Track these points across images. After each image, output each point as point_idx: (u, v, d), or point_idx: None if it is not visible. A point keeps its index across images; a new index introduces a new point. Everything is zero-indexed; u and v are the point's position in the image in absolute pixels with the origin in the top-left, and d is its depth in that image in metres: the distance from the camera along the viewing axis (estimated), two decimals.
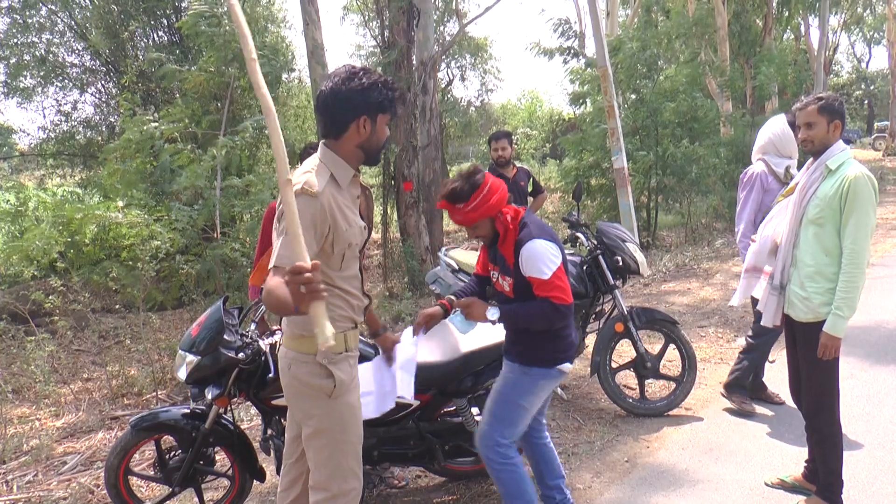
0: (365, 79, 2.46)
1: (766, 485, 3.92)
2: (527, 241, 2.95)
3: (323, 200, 2.38)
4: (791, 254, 3.51)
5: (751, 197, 4.69)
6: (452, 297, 3.28)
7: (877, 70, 49.44)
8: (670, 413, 4.96)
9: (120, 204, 7.12)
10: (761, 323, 3.76)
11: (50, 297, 5.98)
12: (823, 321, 3.34)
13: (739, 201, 4.80)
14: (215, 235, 6.78)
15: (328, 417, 2.53)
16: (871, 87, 49.09)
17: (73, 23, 12.97)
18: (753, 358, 4.99)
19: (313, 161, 2.52)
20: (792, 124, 4.55)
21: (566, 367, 3.14)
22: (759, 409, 4.99)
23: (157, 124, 6.74)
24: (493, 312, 3.04)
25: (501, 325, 3.72)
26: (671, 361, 5.46)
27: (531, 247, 2.93)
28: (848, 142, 27.42)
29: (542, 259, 2.92)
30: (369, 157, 2.60)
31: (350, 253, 2.54)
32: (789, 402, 4.79)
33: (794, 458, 4.17)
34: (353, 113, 2.47)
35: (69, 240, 7.87)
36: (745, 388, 5.01)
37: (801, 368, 3.57)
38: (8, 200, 9.21)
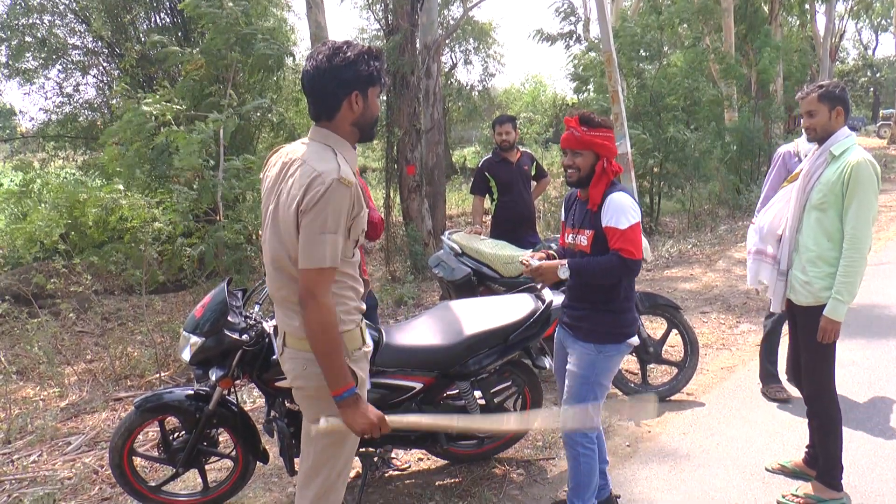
0: (350, 52, 2.33)
1: (767, 470, 3.94)
2: (616, 192, 3.09)
3: (353, 190, 2.29)
4: (794, 239, 3.53)
5: (771, 175, 4.69)
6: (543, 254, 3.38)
7: (883, 57, 49.11)
8: (672, 398, 4.97)
9: (120, 187, 7.09)
10: (771, 309, 3.78)
11: (52, 280, 5.99)
12: (824, 305, 3.36)
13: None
14: (218, 217, 6.77)
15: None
16: (877, 75, 48.78)
17: (74, 4, 12.90)
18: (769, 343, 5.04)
19: (317, 146, 2.37)
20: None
21: (634, 340, 3.25)
22: (760, 395, 5.01)
23: (150, 108, 6.69)
24: (563, 271, 3.14)
25: (505, 309, 3.72)
26: (673, 347, 5.46)
27: (618, 197, 3.07)
28: (853, 129, 27.27)
29: (625, 211, 3.04)
30: (364, 134, 2.48)
31: (361, 239, 2.48)
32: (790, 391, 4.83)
33: (794, 444, 4.19)
34: (344, 90, 2.34)
35: (71, 222, 7.86)
36: (774, 374, 5.03)
37: (801, 353, 3.60)
38: (13, 181, 9.19)
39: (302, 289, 2.29)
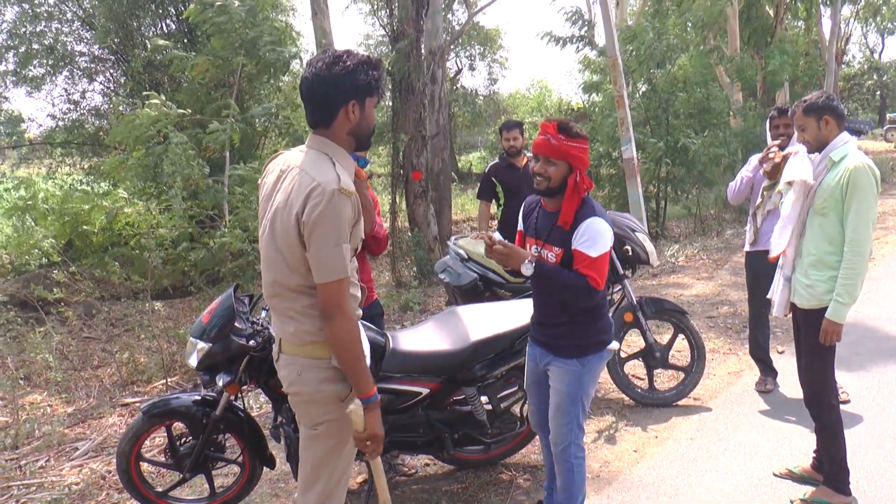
0: (349, 61, 2.35)
1: (775, 475, 3.93)
2: (594, 216, 3.00)
3: (353, 199, 2.31)
4: (798, 244, 3.57)
5: (745, 166, 5.08)
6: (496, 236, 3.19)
7: (889, 60, 48.86)
8: (679, 403, 4.96)
9: (124, 194, 7.12)
10: (774, 313, 3.80)
11: (54, 290, 6.01)
12: (826, 308, 3.40)
13: None
14: (224, 223, 6.78)
15: (336, 423, 2.46)
16: (884, 78, 48.57)
17: (80, 12, 12.97)
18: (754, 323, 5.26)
19: (315, 154, 2.39)
20: (771, 118, 4.81)
21: (614, 345, 3.24)
22: (767, 401, 5.00)
23: (150, 112, 6.71)
24: (527, 268, 3.01)
25: (512, 314, 3.72)
26: (680, 352, 5.45)
27: (596, 222, 2.98)
28: (859, 133, 27.15)
29: (599, 238, 2.97)
30: (360, 144, 2.49)
31: (359, 246, 2.49)
32: (785, 390, 4.81)
33: (802, 449, 4.17)
34: (342, 98, 2.36)
35: (77, 230, 7.89)
36: (765, 361, 5.24)
37: (802, 356, 3.64)
38: (19, 195, 9.22)
39: (325, 302, 2.32)
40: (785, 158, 3.59)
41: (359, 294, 2.57)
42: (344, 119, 2.39)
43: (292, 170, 2.37)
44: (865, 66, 49.47)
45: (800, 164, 3.53)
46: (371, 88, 2.41)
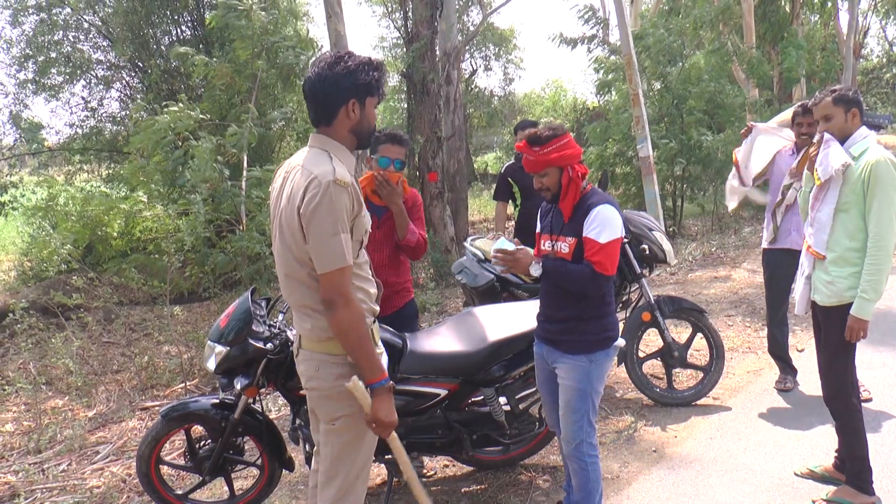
0: (350, 62, 2.43)
1: (796, 475, 3.90)
2: (602, 204, 3.05)
3: (351, 190, 2.37)
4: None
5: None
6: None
7: None
8: (698, 403, 4.93)
9: (144, 198, 7.17)
10: (796, 312, 3.77)
11: (73, 295, 6.07)
12: (847, 305, 3.37)
13: None
14: (241, 227, 6.82)
15: (353, 418, 2.49)
16: None
17: (97, 21, 13.10)
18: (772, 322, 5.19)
19: (315, 151, 2.46)
20: (795, 115, 4.71)
21: (620, 341, 3.25)
22: (787, 399, 4.95)
23: (169, 119, 6.77)
24: (536, 269, 3.12)
25: (529, 315, 3.71)
26: (699, 351, 5.41)
27: (604, 210, 3.03)
28: (879, 128, 26.80)
29: (608, 225, 3.01)
30: (361, 142, 2.56)
31: (365, 239, 2.55)
32: (805, 389, 4.76)
33: (824, 448, 4.13)
34: (342, 97, 2.43)
35: (97, 234, 7.96)
36: (784, 359, 5.17)
37: (823, 353, 3.61)
38: (42, 197, 9.30)
39: (327, 291, 2.37)
40: (813, 146, 3.49)
41: (373, 290, 2.61)
42: (344, 117, 2.47)
43: (294, 168, 2.45)
44: (884, 60, 48.83)
45: (837, 151, 3.42)
46: (371, 88, 2.48)
